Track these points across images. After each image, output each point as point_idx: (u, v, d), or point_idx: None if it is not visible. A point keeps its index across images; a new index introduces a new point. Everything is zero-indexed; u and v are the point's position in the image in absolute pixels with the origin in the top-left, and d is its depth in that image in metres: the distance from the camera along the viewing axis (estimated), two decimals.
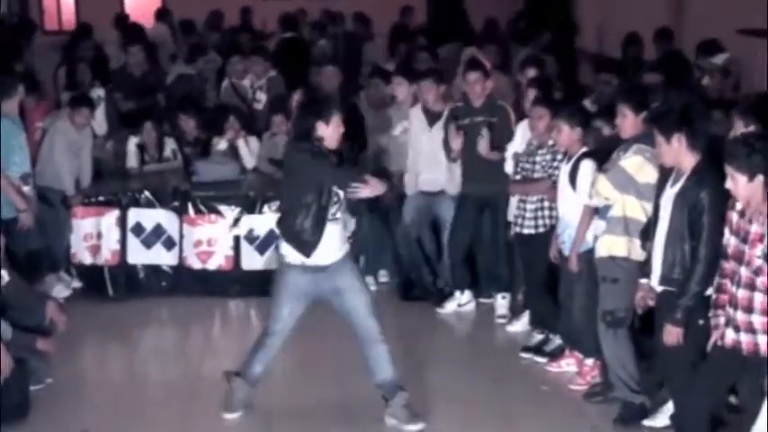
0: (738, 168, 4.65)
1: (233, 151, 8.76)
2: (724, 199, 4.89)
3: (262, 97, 10.07)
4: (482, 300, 7.89)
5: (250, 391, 5.96)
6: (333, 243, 5.71)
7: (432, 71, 8.17)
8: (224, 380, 6.03)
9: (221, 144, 8.78)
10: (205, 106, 9.68)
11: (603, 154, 6.02)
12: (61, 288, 7.94)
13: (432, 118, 7.78)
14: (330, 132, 5.68)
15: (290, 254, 5.72)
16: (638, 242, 5.64)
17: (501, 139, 7.36)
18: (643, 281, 5.43)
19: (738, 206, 4.77)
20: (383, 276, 8.52)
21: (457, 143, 7.46)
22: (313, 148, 5.62)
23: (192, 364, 7.00)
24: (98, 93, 9.31)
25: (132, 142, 8.82)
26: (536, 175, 6.76)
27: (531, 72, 7.78)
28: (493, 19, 12.69)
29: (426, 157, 7.80)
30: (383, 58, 11.24)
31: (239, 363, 6.08)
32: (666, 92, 6.82)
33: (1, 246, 6.30)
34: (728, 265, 4.79)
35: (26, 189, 7.46)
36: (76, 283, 8.16)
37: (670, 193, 5.19)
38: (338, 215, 5.71)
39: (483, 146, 7.34)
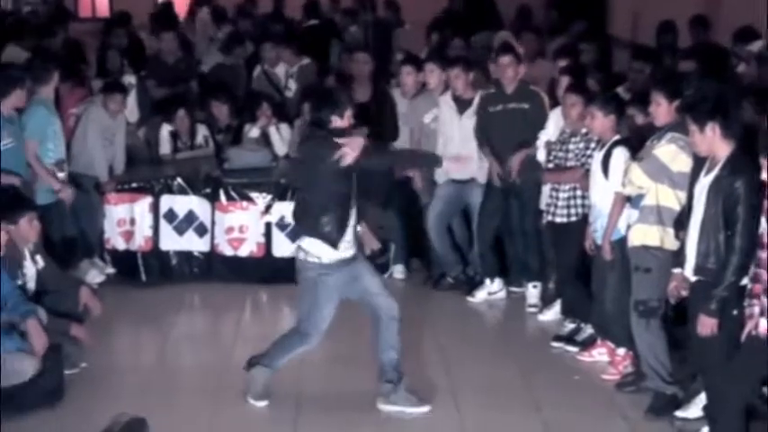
0: None
1: (265, 138, 8.78)
2: (759, 188, 4.85)
3: (293, 85, 10.08)
4: (513, 289, 7.88)
5: (270, 376, 5.97)
6: (351, 229, 5.74)
7: (461, 58, 8.14)
8: (245, 368, 6.02)
9: (253, 131, 8.81)
10: (237, 93, 9.70)
11: (637, 142, 5.99)
12: (95, 274, 8.00)
13: (462, 105, 7.76)
14: (343, 126, 5.70)
15: (319, 252, 5.68)
16: (671, 231, 5.60)
17: (534, 127, 7.33)
18: (676, 270, 5.40)
19: None
20: (414, 265, 8.52)
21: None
22: (327, 137, 5.63)
23: (223, 350, 7.04)
24: (129, 80, 9.36)
25: (166, 129, 8.87)
26: (569, 164, 6.73)
27: (564, 60, 7.74)
28: (526, 6, 12.61)
29: (456, 145, 7.79)
30: (413, 46, 11.21)
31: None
32: (701, 80, 6.75)
33: (38, 232, 6.36)
34: (764, 255, 4.75)
35: (61, 175, 7.56)
36: (110, 269, 8.22)
37: (704, 182, 5.15)
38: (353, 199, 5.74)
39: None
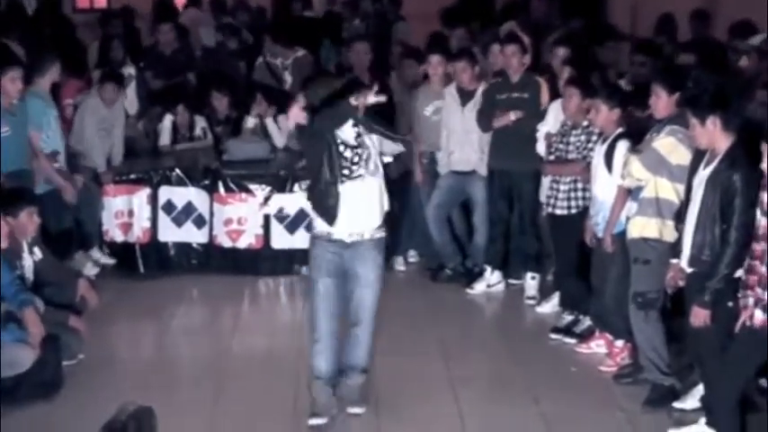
0: None
1: (263, 130, 8.79)
2: (757, 182, 4.88)
3: (289, 78, 10.07)
4: (511, 281, 7.90)
5: (331, 392, 5.64)
6: (357, 207, 5.45)
7: (466, 51, 8.17)
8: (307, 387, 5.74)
9: (249, 122, 8.82)
10: (237, 84, 9.71)
11: (639, 135, 6.00)
12: (90, 266, 8.01)
13: (465, 97, 7.79)
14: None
15: (318, 224, 5.56)
16: (670, 224, 5.62)
17: (533, 115, 7.36)
18: (674, 261, 5.42)
19: None
20: (412, 257, 8.55)
21: (501, 121, 7.47)
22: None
23: (222, 341, 7.06)
24: (129, 71, 9.35)
25: (168, 119, 8.89)
26: (570, 156, 6.74)
27: (563, 51, 7.74)
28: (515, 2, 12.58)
29: (458, 137, 7.82)
30: (411, 39, 11.20)
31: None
32: (701, 73, 6.76)
33: (37, 225, 6.37)
34: (759, 247, 4.77)
35: (56, 166, 7.56)
36: (107, 260, 8.23)
37: (702, 174, 5.17)
38: (360, 172, 5.44)
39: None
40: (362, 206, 5.48)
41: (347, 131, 5.47)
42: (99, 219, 8.20)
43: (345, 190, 5.41)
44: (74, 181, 7.71)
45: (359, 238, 5.51)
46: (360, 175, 5.44)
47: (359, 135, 5.49)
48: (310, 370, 5.64)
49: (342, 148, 5.43)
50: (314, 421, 5.55)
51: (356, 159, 5.44)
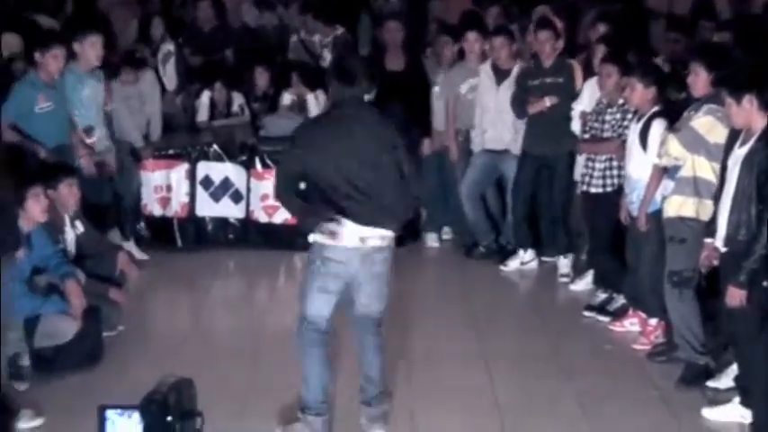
0: None
1: (300, 105, 8.79)
2: None
3: (328, 55, 10.05)
4: (545, 258, 7.87)
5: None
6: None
7: (504, 28, 8.13)
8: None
9: (286, 98, 8.83)
10: (275, 61, 9.71)
11: (675, 113, 5.93)
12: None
13: (500, 76, 7.76)
14: None
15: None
16: (707, 203, 5.55)
17: (567, 99, 7.31)
18: (708, 240, 5.37)
19: None
20: (446, 233, 8.54)
21: (536, 108, 7.42)
22: None
23: (258, 313, 7.11)
24: (168, 47, 9.36)
25: (206, 95, 8.92)
26: (605, 135, 6.70)
27: (602, 28, 7.68)
28: None
29: (492, 116, 7.78)
30: (447, 16, 11.12)
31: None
32: (739, 52, 6.68)
33: (77, 197, 6.41)
34: None
35: (89, 141, 7.50)
36: (145, 233, 8.26)
37: (738, 154, 5.10)
38: None
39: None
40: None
41: None
42: (136, 192, 8.19)
43: None
44: (108, 157, 7.65)
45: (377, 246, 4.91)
46: None
47: None
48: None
49: None
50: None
51: None
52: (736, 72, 5.27)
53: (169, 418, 4.21)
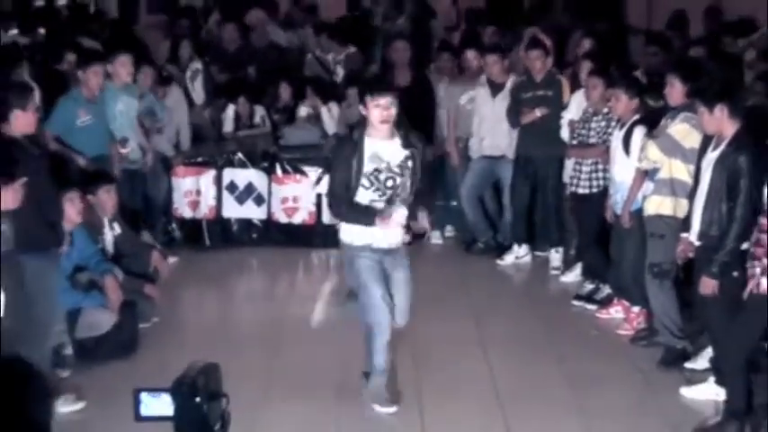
0: None
1: (316, 117, 8.79)
2: (761, 164, 4.79)
3: (341, 71, 10.04)
4: (538, 253, 7.85)
5: (384, 380, 5.23)
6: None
7: (497, 46, 8.11)
8: (362, 378, 5.39)
9: (303, 111, 8.83)
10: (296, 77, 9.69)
11: (653, 121, 5.90)
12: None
13: (495, 89, 7.73)
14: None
15: (354, 237, 5.08)
16: (683, 202, 5.52)
17: (556, 110, 7.28)
18: (684, 235, 5.34)
19: None
20: (449, 231, 8.52)
21: (528, 118, 7.38)
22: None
23: (280, 306, 7.09)
24: (197, 66, 9.35)
25: (231, 109, 8.92)
26: (591, 141, 6.67)
27: (587, 44, 7.65)
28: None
29: (490, 125, 7.75)
30: (442, 34, 11.11)
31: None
32: (712, 66, 6.65)
33: (115, 202, 6.41)
34: (765, 221, 4.68)
35: (123, 151, 7.41)
36: (176, 234, 8.24)
37: (711, 157, 5.08)
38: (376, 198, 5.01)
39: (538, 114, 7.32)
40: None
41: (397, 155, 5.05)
42: (162, 201, 8.09)
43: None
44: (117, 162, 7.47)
45: (395, 245, 5.12)
46: (397, 193, 5.02)
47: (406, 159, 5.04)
48: (374, 366, 5.18)
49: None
50: (386, 410, 5.17)
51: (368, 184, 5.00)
52: (708, 84, 5.25)
53: (197, 399, 4.17)
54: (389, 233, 5.03)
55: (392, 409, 5.17)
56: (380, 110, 4.96)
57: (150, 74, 8.01)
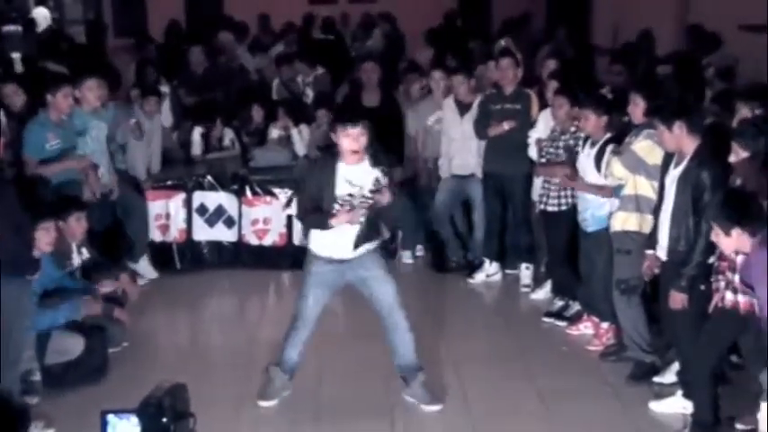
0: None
1: (287, 139, 8.82)
2: (723, 178, 4.89)
3: (310, 92, 10.10)
4: (508, 271, 7.90)
5: (286, 380, 5.61)
6: (345, 242, 5.29)
7: (463, 67, 8.17)
8: (264, 372, 5.73)
9: (274, 132, 8.86)
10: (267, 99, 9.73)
11: (621, 138, 5.99)
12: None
13: (462, 109, 7.79)
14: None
15: (315, 245, 5.39)
16: (648, 217, 5.61)
17: (524, 125, 7.36)
18: (649, 252, 5.42)
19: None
20: (419, 251, 8.56)
21: (496, 131, 7.46)
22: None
23: (250, 329, 7.09)
24: (164, 89, 9.35)
25: (197, 132, 8.90)
26: (559, 159, 6.73)
27: (552, 65, 7.75)
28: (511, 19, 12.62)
29: (458, 144, 7.81)
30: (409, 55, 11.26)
31: None
32: (671, 84, 6.79)
33: (84, 229, 6.40)
34: None
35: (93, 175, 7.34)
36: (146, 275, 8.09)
37: (674, 174, 5.18)
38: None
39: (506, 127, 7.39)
40: (354, 237, 5.29)
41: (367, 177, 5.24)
42: (145, 229, 8.02)
43: (334, 230, 5.22)
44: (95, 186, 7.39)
45: (358, 254, 5.35)
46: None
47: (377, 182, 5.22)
48: (278, 357, 5.57)
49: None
50: (265, 404, 5.52)
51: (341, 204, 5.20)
52: (666, 103, 5.36)
53: (164, 420, 4.19)
54: (348, 242, 5.23)
55: (271, 404, 5.42)
56: (350, 140, 5.11)
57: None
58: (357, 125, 5.09)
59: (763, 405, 4.44)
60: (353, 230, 5.28)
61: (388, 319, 5.46)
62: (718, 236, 4.56)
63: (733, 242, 4.49)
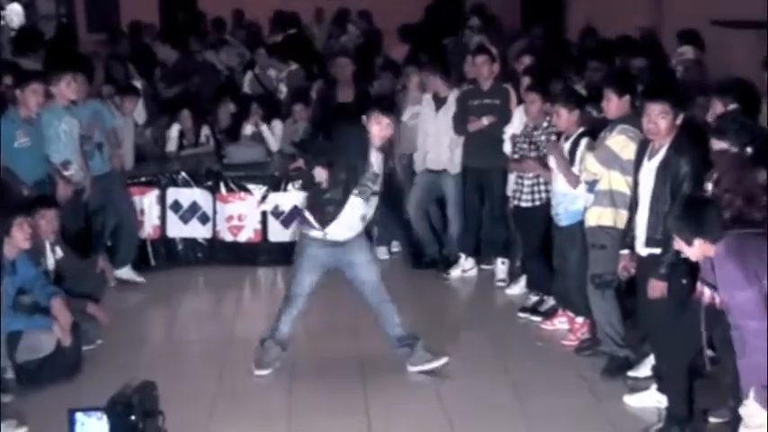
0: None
1: (259, 135, 8.79)
2: (702, 167, 4.91)
3: (284, 89, 10.07)
4: (484, 266, 7.91)
5: (279, 351, 5.96)
6: (351, 220, 5.74)
7: (438, 62, 8.16)
8: (258, 346, 5.99)
9: (247, 129, 8.83)
10: (237, 96, 9.69)
11: (596, 133, 6.01)
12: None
13: (439, 103, 7.79)
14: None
15: (311, 229, 5.77)
16: (623, 212, 5.62)
17: (503, 120, 7.37)
18: (624, 252, 5.43)
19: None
20: (395, 247, 8.56)
21: (475, 126, 7.46)
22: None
23: (225, 325, 7.06)
24: (137, 84, 9.28)
25: (175, 129, 8.86)
26: (532, 155, 6.75)
27: (526, 60, 7.76)
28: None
29: (432, 139, 7.82)
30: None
31: (267, 324, 6.10)
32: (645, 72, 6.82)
33: (56, 227, 6.35)
34: None
35: (67, 173, 7.19)
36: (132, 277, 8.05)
37: (649, 166, 5.19)
38: (374, 189, 5.80)
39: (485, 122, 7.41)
40: (354, 221, 5.76)
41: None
42: (135, 240, 7.92)
43: (352, 203, 5.70)
44: (69, 187, 7.23)
45: (350, 237, 5.79)
46: (374, 192, 5.79)
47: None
48: (271, 331, 5.91)
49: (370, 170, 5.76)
50: (260, 372, 5.89)
51: (363, 180, 5.75)
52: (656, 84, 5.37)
53: (133, 417, 4.18)
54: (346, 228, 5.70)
55: (265, 372, 5.84)
56: (381, 127, 5.77)
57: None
58: (389, 115, 5.78)
59: (746, 401, 4.41)
60: (358, 211, 5.72)
61: (373, 297, 5.88)
62: (681, 246, 4.56)
63: (697, 251, 4.49)
